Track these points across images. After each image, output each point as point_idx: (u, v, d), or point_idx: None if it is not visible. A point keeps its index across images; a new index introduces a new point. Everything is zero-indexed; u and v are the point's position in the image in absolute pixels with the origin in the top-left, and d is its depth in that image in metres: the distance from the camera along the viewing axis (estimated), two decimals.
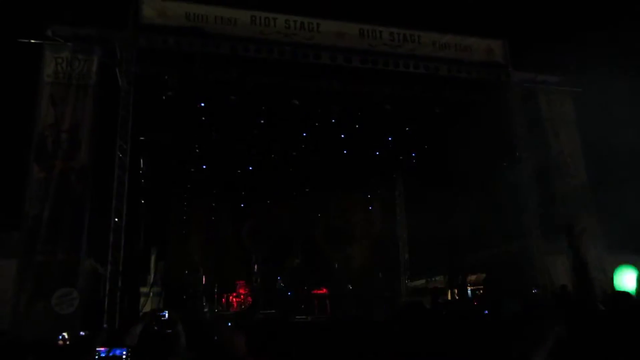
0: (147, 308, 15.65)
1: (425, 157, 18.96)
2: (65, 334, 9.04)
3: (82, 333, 9.35)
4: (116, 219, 11.45)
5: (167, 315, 13.75)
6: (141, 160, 15.01)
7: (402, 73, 14.35)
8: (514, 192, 14.46)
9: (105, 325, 10.48)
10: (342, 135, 17.04)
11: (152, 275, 17.65)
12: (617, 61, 12.91)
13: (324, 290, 18.34)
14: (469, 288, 17.40)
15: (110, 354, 6.78)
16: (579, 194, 14.52)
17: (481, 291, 16.79)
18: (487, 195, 15.36)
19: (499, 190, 14.79)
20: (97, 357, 6.72)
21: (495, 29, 15.13)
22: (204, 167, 18.46)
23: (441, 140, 17.54)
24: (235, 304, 18.17)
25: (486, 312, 8.98)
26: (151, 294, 16.63)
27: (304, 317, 16.02)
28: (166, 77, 13.16)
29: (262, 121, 15.69)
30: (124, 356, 6.80)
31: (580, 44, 13.18)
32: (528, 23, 14.67)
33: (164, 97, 13.40)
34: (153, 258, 18.01)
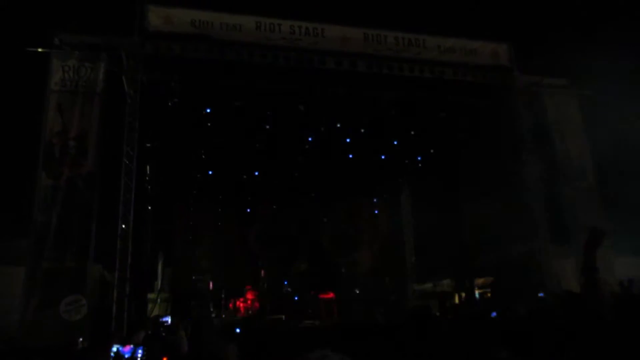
0: (154, 314, 15.68)
1: (432, 161, 18.92)
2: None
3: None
4: (123, 226, 11.50)
5: (169, 321, 13.80)
6: (148, 167, 15.07)
7: (407, 77, 14.40)
8: (522, 195, 14.41)
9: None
10: (348, 140, 17.04)
11: (160, 281, 17.69)
12: (623, 62, 12.86)
13: (331, 295, 18.32)
14: (476, 291, 17.36)
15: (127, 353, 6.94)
16: (586, 197, 14.45)
17: (489, 294, 16.74)
18: (494, 199, 15.31)
19: (506, 193, 14.75)
20: (115, 354, 6.89)
21: (501, 32, 15.13)
22: (210, 172, 18.50)
23: (447, 143, 17.53)
24: (242, 309, 18.16)
25: (494, 314, 8.97)
26: (159, 300, 16.66)
27: (311, 321, 16.01)
28: (172, 83, 13.23)
29: (267, 126, 15.72)
30: (138, 356, 6.99)
31: (586, 46, 13.16)
32: (533, 26, 14.66)
33: (170, 104, 13.46)
34: (160, 264, 18.07)
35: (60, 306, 10.24)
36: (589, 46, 13.03)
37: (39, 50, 11.78)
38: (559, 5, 15.08)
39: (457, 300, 17.42)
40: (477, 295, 17.23)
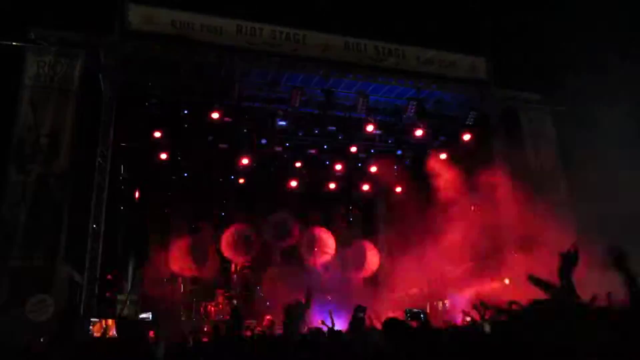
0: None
1: (406, 170, 19.04)
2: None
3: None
4: (94, 226, 11.32)
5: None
6: (122, 167, 14.88)
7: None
8: (494, 209, 14.58)
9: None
10: (325, 147, 17.11)
11: (130, 283, 17.41)
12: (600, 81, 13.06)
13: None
14: (446, 301, 17.49)
15: None
16: (558, 211, 14.65)
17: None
18: (468, 209, 15.46)
19: (481, 205, 14.91)
20: None
21: (479, 46, 15.35)
22: (185, 174, 18.35)
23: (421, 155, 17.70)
24: (213, 314, 17.91)
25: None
26: (128, 301, 16.40)
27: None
28: (150, 83, 13.10)
29: (245, 130, 15.69)
30: None
31: (562, 62, 13.40)
32: (512, 42, 14.89)
33: (147, 104, 13.32)
34: (131, 265, 17.79)
35: (26, 306, 10.01)
36: (565, 62, 13.25)
37: (13, 44, 11.55)
38: (538, 22, 15.33)
39: (428, 309, 17.51)
40: (447, 304, 17.35)
